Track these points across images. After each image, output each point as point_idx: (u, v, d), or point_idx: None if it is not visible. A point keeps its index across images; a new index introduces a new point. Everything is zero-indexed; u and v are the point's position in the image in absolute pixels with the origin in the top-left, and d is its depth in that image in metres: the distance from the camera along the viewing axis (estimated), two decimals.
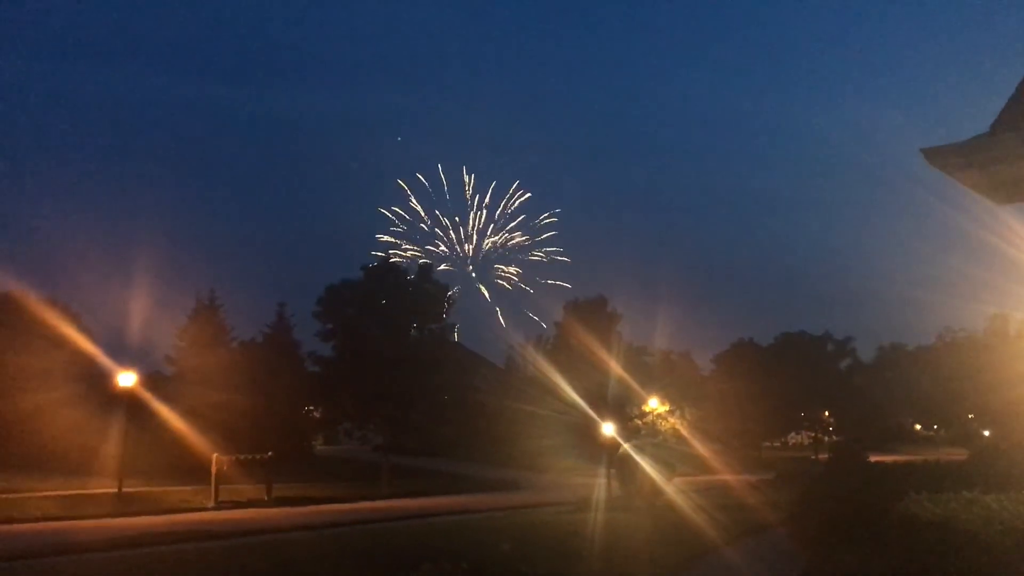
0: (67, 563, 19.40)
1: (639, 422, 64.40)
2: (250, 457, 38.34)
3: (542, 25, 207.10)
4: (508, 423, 63.94)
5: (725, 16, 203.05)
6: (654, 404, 66.07)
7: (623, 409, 60.87)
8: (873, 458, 29.60)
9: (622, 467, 39.88)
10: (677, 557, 18.64)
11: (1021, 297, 52.92)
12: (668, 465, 43.70)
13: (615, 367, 60.04)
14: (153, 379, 47.00)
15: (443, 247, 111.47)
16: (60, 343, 43.65)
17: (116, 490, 33.02)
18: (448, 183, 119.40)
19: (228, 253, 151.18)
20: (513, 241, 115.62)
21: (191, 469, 39.11)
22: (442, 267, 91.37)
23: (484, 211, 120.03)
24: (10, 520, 26.99)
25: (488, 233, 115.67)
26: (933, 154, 7.11)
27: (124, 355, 39.82)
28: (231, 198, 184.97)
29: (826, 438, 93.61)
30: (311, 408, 63.36)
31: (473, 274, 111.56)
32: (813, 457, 78.09)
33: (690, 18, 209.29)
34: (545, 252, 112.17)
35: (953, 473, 20.22)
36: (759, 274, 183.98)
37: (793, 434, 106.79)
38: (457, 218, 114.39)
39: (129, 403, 35.45)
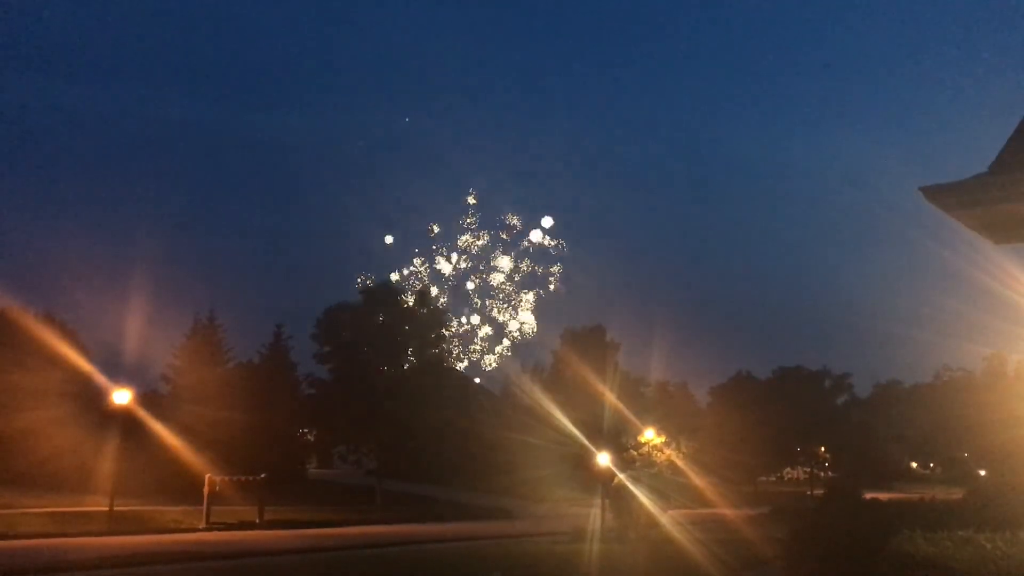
0: None
1: (635, 453, 64.12)
2: (243, 478, 38.16)
3: (548, 62, 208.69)
4: (504, 451, 63.61)
5: (728, 55, 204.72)
6: (650, 435, 65.77)
7: (619, 439, 60.71)
8: (868, 495, 29.48)
9: (617, 498, 39.63)
10: None
11: (1017, 338, 52.95)
12: (663, 497, 43.46)
13: (611, 397, 59.88)
14: (149, 397, 46.78)
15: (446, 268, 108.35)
16: (56, 361, 43.53)
17: (108, 508, 32.83)
18: (446, 207, 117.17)
19: (227, 273, 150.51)
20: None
21: (185, 489, 38.91)
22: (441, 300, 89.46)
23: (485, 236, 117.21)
24: (1, 536, 26.89)
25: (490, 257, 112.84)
26: (932, 193, 7.19)
27: (120, 373, 39.75)
28: (230, 218, 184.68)
29: (822, 474, 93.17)
30: (305, 431, 63.08)
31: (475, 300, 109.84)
32: (809, 492, 77.64)
33: (693, 56, 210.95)
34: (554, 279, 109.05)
35: (948, 512, 20.14)
36: (757, 308, 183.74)
37: (789, 469, 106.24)
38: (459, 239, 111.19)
39: (124, 421, 35.32)
